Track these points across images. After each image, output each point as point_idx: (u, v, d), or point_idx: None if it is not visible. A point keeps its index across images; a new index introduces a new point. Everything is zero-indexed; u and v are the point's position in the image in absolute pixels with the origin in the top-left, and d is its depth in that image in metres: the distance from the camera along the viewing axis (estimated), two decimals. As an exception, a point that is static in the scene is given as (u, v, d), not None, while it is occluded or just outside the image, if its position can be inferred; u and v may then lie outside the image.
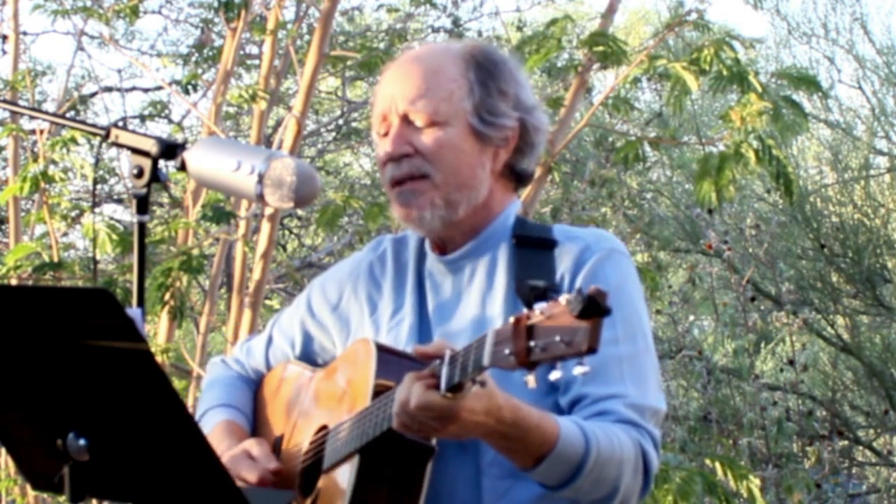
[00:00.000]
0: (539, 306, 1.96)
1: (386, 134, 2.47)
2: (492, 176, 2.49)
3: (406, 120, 2.46)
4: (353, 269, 2.65)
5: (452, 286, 2.51)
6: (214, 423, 2.66)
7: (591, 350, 1.91)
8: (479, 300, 2.46)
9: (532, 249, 2.45)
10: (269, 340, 2.75)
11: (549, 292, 1.95)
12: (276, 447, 2.60)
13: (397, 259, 2.60)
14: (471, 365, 2.06)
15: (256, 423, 2.70)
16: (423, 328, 2.49)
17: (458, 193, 2.45)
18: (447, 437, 2.20)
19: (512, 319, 1.99)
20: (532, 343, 1.96)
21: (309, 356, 2.68)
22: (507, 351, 1.98)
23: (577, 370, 1.94)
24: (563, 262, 2.42)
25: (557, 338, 1.93)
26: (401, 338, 2.49)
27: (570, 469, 2.25)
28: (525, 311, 1.98)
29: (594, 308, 1.89)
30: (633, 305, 2.42)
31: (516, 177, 2.54)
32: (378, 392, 2.30)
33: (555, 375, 1.95)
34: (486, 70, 2.49)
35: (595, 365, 2.32)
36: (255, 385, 2.75)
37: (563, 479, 2.26)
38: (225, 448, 2.57)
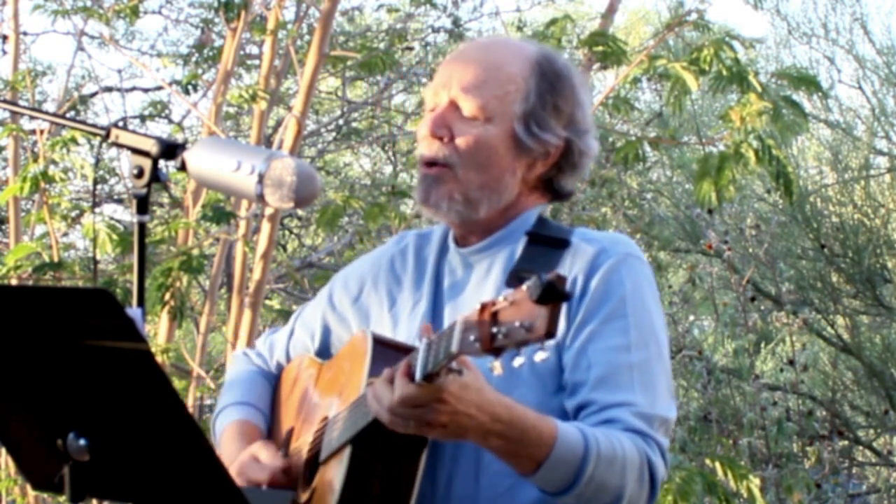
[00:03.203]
0: (505, 293, 1.96)
1: (433, 110, 2.46)
2: (522, 184, 2.47)
3: (454, 105, 2.44)
4: (375, 263, 2.64)
5: (469, 279, 2.50)
6: (228, 422, 2.66)
7: (550, 335, 1.90)
8: (493, 294, 2.43)
9: (541, 246, 2.43)
10: (291, 333, 2.75)
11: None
12: (287, 440, 2.60)
13: (419, 254, 2.59)
14: (442, 352, 2.05)
15: (273, 418, 2.70)
16: (436, 320, 2.48)
17: (479, 192, 2.43)
18: (444, 434, 2.17)
19: (478, 306, 1.98)
20: (495, 329, 1.95)
21: (328, 349, 2.67)
22: (472, 337, 1.98)
23: (538, 356, 1.93)
24: (578, 264, 2.39)
25: (518, 323, 1.92)
26: (415, 330, 2.47)
27: (570, 472, 2.22)
28: (492, 298, 1.98)
29: (552, 293, 1.88)
30: (646, 311, 2.39)
31: (552, 192, 2.52)
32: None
33: (518, 361, 1.94)
34: (548, 81, 2.45)
35: (605, 371, 2.32)
36: (274, 379, 2.75)
37: (564, 484, 2.23)
38: (235, 451, 2.58)
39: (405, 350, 2.28)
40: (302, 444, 2.54)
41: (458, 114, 2.43)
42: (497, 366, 1.97)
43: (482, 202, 2.43)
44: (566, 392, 2.35)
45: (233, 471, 2.51)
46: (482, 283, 2.47)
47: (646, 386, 2.34)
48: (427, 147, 2.45)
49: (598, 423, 2.30)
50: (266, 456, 2.52)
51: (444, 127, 2.43)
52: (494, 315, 1.96)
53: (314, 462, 2.46)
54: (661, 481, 2.34)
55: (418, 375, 2.10)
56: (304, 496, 2.45)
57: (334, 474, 2.34)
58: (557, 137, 2.45)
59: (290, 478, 2.51)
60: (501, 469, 2.29)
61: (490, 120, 2.42)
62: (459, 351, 2.01)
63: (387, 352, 2.35)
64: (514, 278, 2.14)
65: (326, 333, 2.68)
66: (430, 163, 2.44)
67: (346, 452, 2.32)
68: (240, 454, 2.56)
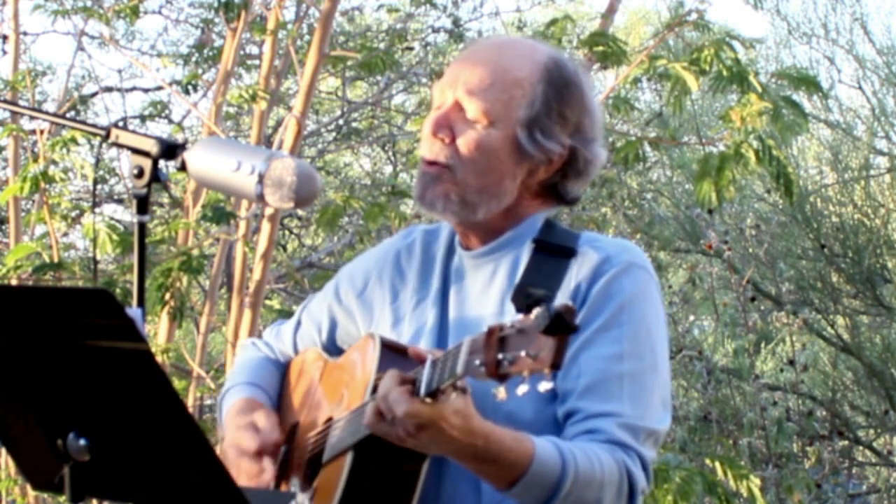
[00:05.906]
0: (515, 318, 1.95)
1: (439, 108, 2.45)
2: (524, 189, 2.45)
3: (459, 106, 2.42)
4: (381, 257, 2.63)
5: (476, 282, 2.48)
6: (235, 400, 2.65)
7: (556, 367, 1.89)
8: (498, 298, 2.43)
9: (548, 256, 2.40)
10: (298, 325, 2.74)
11: (541, 303, 1.91)
12: (291, 434, 2.60)
13: (426, 250, 2.58)
14: (447, 372, 2.05)
15: (280, 407, 2.70)
16: (443, 323, 2.47)
17: (476, 196, 2.41)
18: (418, 446, 2.17)
19: (485, 330, 1.97)
20: (501, 356, 1.94)
21: (335, 342, 2.67)
22: (477, 362, 1.97)
23: (542, 386, 1.91)
24: (582, 271, 2.37)
25: (524, 353, 1.91)
26: (422, 330, 2.48)
27: (545, 491, 2.22)
28: (499, 322, 1.97)
29: (560, 325, 1.87)
30: (644, 321, 2.36)
31: (557, 197, 2.49)
32: (376, 389, 2.30)
33: (521, 389, 1.92)
34: (556, 89, 2.42)
35: (594, 380, 2.31)
36: (282, 368, 2.75)
37: (539, 501, 2.23)
38: (240, 423, 2.57)
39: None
40: (305, 442, 2.54)
41: (462, 115, 2.41)
42: (501, 391, 1.96)
43: (479, 205, 2.42)
44: (557, 400, 2.34)
45: (228, 437, 2.53)
46: (486, 289, 2.45)
47: (636, 397, 2.31)
48: (429, 147, 2.44)
49: (581, 432, 2.29)
50: (264, 424, 2.52)
51: (446, 128, 2.42)
52: (501, 340, 1.94)
53: (316, 461, 2.47)
54: (643, 491, 2.32)
55: (423, 391, 2.10)
56: (306, 495, 2.46)
57: (336, 478, 2.35)
58: (561, 146, 2.42)
59: (289, 468, 2.52)
60: None
61: (493, 124, 2.40)
62: (464, 373, 2.00)
63: (395, 357, 2.35)
64: (520, 294, 2.14)
65: (333, 327, 2.67)
66: (431, 163, 2.44)
67: (348, 458, 2.32)
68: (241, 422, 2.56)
